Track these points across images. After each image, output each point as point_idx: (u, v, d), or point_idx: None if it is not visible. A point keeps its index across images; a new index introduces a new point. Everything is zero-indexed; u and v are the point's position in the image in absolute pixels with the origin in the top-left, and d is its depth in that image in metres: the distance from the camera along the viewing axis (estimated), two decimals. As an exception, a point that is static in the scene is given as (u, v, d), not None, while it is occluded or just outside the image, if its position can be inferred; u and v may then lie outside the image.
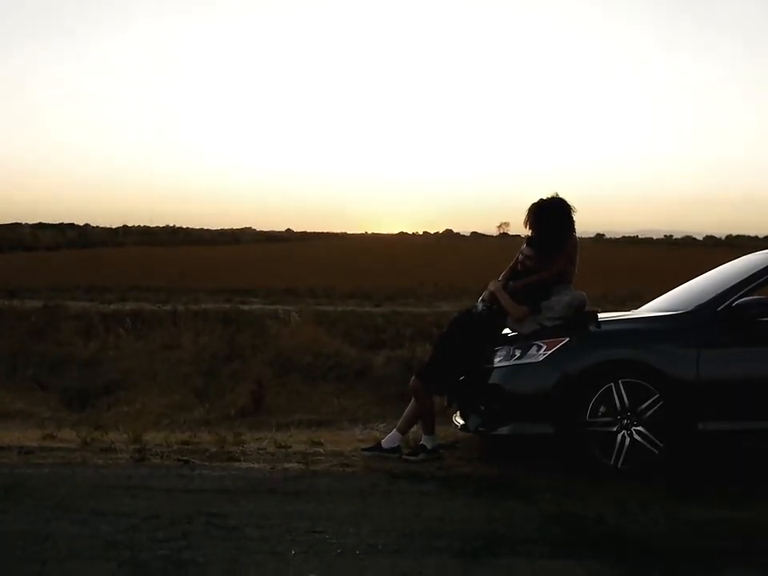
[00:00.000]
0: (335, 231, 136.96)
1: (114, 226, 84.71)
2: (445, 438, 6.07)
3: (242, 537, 4.06)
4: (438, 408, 5.96)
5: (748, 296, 5.41)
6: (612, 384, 5.20)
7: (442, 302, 17.81)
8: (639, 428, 5.20)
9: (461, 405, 5.88)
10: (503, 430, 5.41)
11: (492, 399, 5.47)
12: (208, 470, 5.34)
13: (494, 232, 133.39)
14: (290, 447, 6.06)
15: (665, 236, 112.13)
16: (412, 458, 5.58)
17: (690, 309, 5.52)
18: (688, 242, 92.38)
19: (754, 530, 4.29)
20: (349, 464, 5.53)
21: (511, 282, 5.73)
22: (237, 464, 5.54)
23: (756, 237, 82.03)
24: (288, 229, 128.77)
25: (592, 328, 5.53)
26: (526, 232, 5.85)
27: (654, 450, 5.19)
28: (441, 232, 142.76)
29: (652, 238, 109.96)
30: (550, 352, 5.34)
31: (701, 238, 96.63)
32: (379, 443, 5.79)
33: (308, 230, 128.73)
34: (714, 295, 5.51)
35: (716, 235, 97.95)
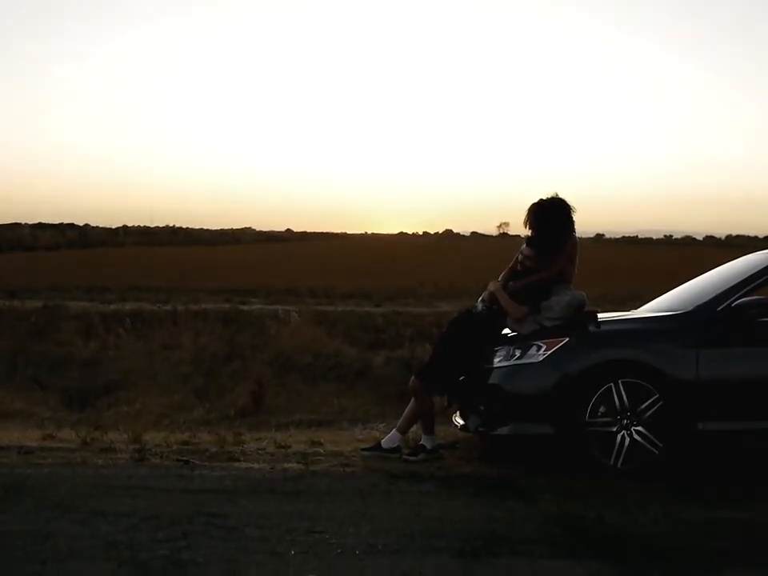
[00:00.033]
0: (335, 231, 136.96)
1: (113, 226, 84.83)
2: (444, 438, 6.07)
3: (242, 537, 4.06)
4: (437, 408, 5.96)
5: (748, 296, 5.41)
6: (612, 384, 5.20)
7: (441, 302, 17.81)
8: (639, 428, 5.20)
9: (460, 405, 5.89)
10: (503, 430, 5.41)
11: (492, 399, 5.47)
12: (208, 470, 5.34)
13: (494, 232, 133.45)
14: (290, 447, 6.06)
15: (664, 236, 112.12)
16: (412, 458, 5.58)
17: (689, 309, 5.52)
18: (688, 241, 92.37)
19: (754, 529, 4.29)
20: (348, 464, 5.53)
21: (511, 282, 5.73)
22: (237, 464, 5.54)
23: (756, 237, 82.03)
24: (288, 229, 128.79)
25: (592, 328, 5.53)
26: (525, 232, 5.85)
27: (654, 450, 5.19)
28: (441, 232, 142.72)
29: (652, 238, 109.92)
30: (549, 352, 5.34)
31: (700, 238, 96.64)
32: (379, 443, 5.79)
33: (308, 230, 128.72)
34: (713, 295, 5.51)
35: (716, 235, 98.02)
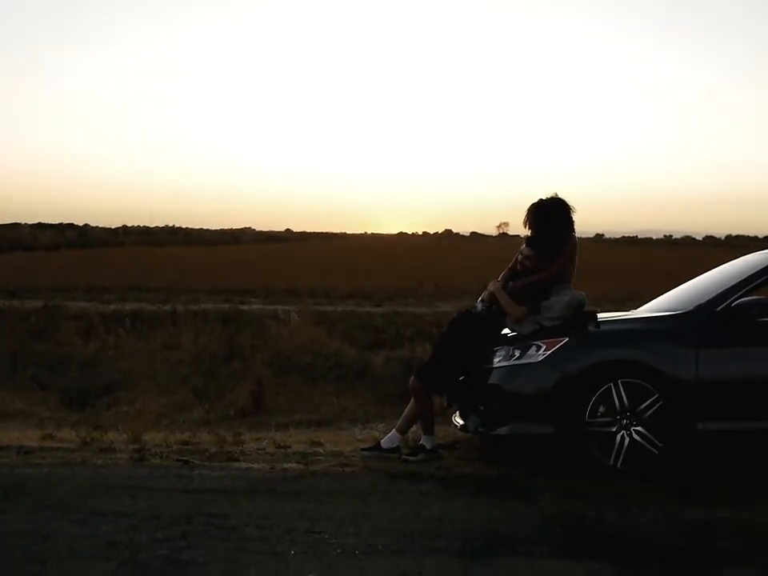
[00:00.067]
0: (335, 231, 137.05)
1: (113, 226, 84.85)
2: (444, 438, 6.07)
3: (242, 537, 4.06)
4: (437, 408, 5.96)
5: (747, 296, 5.41)
6: (611, 384, 5.20)
7: (441, 302, 17.81)
8: (639, 428, 5.20)
9: (460, 405, 5.89)
10: (503, 430, 5.41)
11: (491, 399, 5.47)
12: (207, 470, 5.34)
13: (494, 232, 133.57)
14: (290, 447, 6.06)
15: (664, 236, 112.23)
16: (411, 458, 5.58)
17: (689, 309, 5.52)
18: (687, 241, 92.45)
19: (754, 529, 4.29)
20: (348, 464, 5.53)
21: (511, 282, 5.73)
22: (236, 464, 5.54)
23: (756, 237, 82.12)
24: (288, 229, 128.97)
25: (591, 328, 5.53)
26: (525, 232, 5.85)
27: (654, 450, 5.19)
28: (440, 232, 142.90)
29: (651, 238, 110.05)
30: (549, 352, 5.34)
31: (700, 238, 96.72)
32: (378, 443, 5.79)
33: (308, 230, 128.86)
34: (713, 295, 5.51)
35: (715, 235, 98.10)
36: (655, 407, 5.18)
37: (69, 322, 12.69)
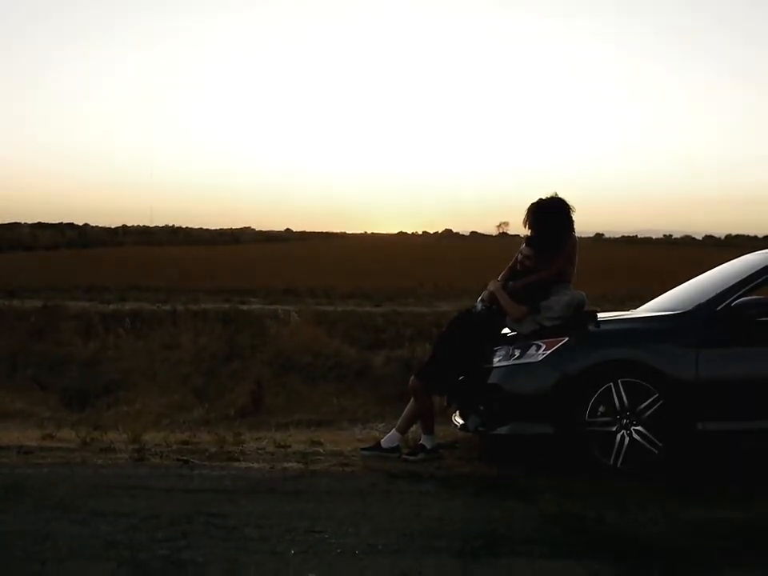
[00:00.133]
0: (335, 231, 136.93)
1: (113, 226, 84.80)
2: (444, 438, 6.07)
3: (242, 537, 4.06)
4: (437, 408, 5.96)
5: (747, 296, 5.41)
6: (611, 384, 5.20)
7: (441, 302, 17.81)
8: (638, 428, 5.20)
9: (460, 404, 5.89)
10: (503, 430, 5.41)
11: (491, 399, 5.47)
12: (207, 470, 5.34)
13: (494, 232, 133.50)
14: (290, 447, 6.06)
15: (664, 236, 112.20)
16: (411, 457, 5.59)
17: (689, 308, 5.52)
18: (687, 241, 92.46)
19: (754, 530, 4.29)
20: (348, 464, 5.53)
21: (510, 282, 5.73)
22: (236, 464, 5.54)
23: (755, 237, 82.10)
24: (287, 229, 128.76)
25: (591, 328, 5.53)
26: (525, 232, 5.85)
27: (654, 450, 5.19)
28: (440, 232, 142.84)
29: (651, 238, 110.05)
30: (549, 352, 5.34)
31: (700, 238, 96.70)
32: (378, 443, 5.79)
33: (307, 230, 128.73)
34: (713, 295, 5.51)
35: (715, 235, 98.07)
36: (655, 407, 5.18)
37: (69, 321, 12.69)
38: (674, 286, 6.57)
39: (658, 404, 5.18)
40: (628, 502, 4.69)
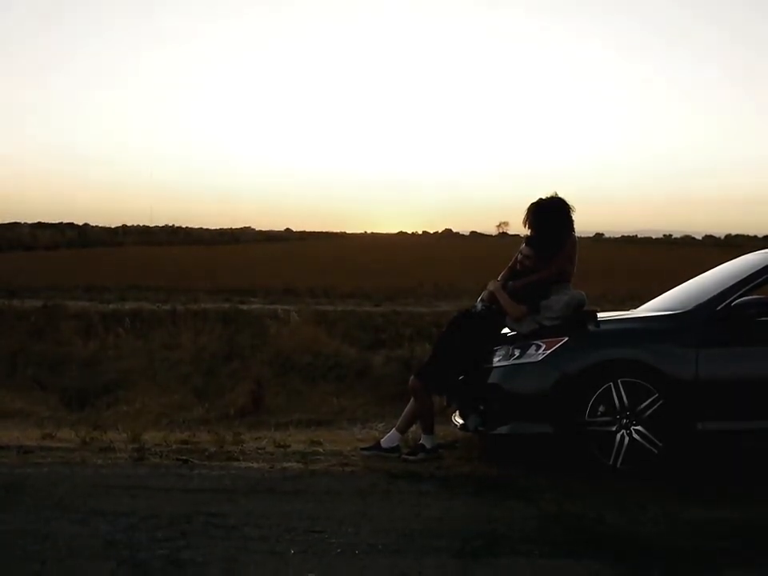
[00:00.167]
0: (334, 231, 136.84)
1: (113, 226, 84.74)
2: (444, 438, 6.07)
3: (241, 536, 4.06)
4: (437, 407, 5.96)
5: (747, 295, 5.41)
6: (611, 383, 5.20)
7: (441, 302, 17.80)
8: (638, 427, 5.20)
9: (460, 404, 5.88)
10: (502, 430, 5.41)
11: (491, 399, 5.47)
12: (207, 470, 5.34)
13: (494, 231, 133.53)
14: (289, 447, 6.06)
15: (664, 235, 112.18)
16: (411, 457, 5.58)
17: (689, 308, 5.52)
18: (687, 241, 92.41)
19: (754, 530, 4.29)
20: (348, 463, 5.53)
21: (510, 282, 5.73)
22: (236, 463, 5.54)
23: (755, 236, 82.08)
24: (287, 228, 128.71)
25: (591, 327, 5.53)
26: (525, 231, 5.85)
27: (654, 450, 5.19)
28: (440, 232, 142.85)
29: (651, 238, 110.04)
30: (549, 351, 5.34)
31: (700, 238, 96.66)
32: (378, 443, 5.79)
33: (307, 230, 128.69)
34: (712, 295, 5.51)
35: (715, 235, 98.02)
36: (655, 407, 5.18)
37: (68, 321, 12.69)
38: (674, 286, 6.56)
39: (657, 404, 5.18)
40: (628, 501, 4.69)
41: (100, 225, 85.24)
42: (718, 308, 5.39)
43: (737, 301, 5.37)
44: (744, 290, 5.43)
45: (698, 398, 5.22)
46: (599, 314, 5.73)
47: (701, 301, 5.52)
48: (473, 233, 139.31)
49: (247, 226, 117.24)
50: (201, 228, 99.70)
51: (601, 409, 5.21)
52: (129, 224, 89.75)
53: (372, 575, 3.64)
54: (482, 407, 5.56)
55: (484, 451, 5.87)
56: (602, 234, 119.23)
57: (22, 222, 77.21)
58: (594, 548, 3.96)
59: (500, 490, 4.93)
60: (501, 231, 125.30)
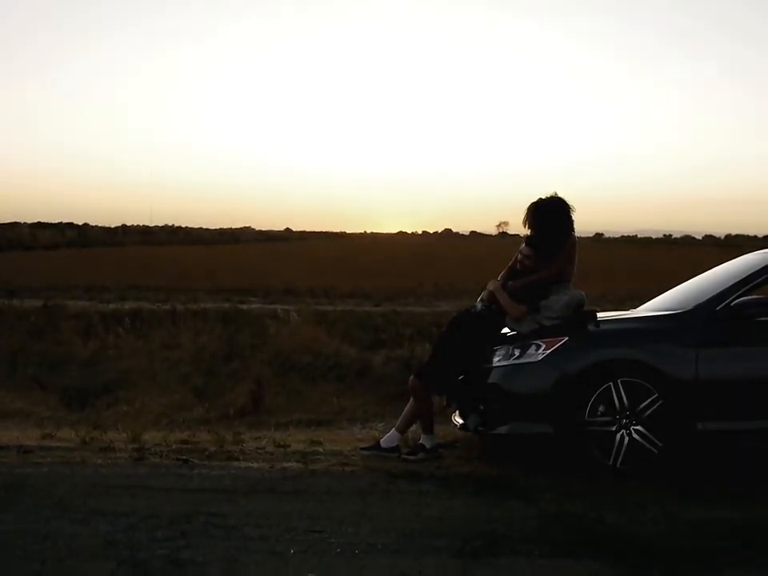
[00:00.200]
0: (334, 231, 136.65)
1: (113, 226, 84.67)
2: (444, 438, 6.07)
3: (241, 536, 4.06)
4: (437, 407, 5.96)
5: (746, 295, 5.41)
6: (611, 383, 5.20)
7: (441, 302, 17.80)
8: (638, 427, 5.20)
9: (460, 404, 5.88)
10: (502, 430, 5.41)
11: (491, 399, 5.47)
12: (207, 470, 5.34)
13: (494, 231, 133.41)
14: (289, 446, 6.06)
15: (664, 235, 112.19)
16: (411, 457, 5.58)
17: (688, 308, 5.52)
18: (687, 241, 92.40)
19: (754, 530, 4.29)
20: (348, 463, 5.53)
21: (510, 282, 5.73)
22: (236, 463, 5.54)
23: (755, 236, 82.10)
24: (287, 228, 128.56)
25: (591, 327, 5.53)
26: (525, 231, 5.85)
27: (653, 450, 5.19)
28: (440, 231, 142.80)
29: (651, 238, 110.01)
30: (548, 351, 5.34)
31: (700, 238, 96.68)
32: (378, 443, 5.79)
33: (307, 230, 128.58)
34: (712, 295, 5.51)
35: (715, 234, 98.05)
36: (655, 407, 5.18)
37: (68, 321, 12.67)
38: (674, 286, 6.56)
39: (657, 404, 5.18)
40: (628, 501, 4.69)
41: (100, 225, 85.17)
42: (718, 308, 5.39)
43: (737, 301, 5.37)
44: (744, 289, 5.43)
45: (698, 398, 5.22)
46: (599, 314, 5.73)
47: (700, 301, 5.52)
48: (473, 233, 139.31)
49: (247, 225, 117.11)
50: (201, 228, 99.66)
51: (601, 409, 5.21)
52: (129, 224, 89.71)
53: (372, 575, 3.64)
54: (481, 407, 5.56)
55: (484, 451, 5.87)
56: (602, 234, 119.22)
57: (22, 222, 77.23)
58: (594, 548, 3.97)
59: (500, 489, 4.93)
60: (501, 231, 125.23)
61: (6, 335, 11.65)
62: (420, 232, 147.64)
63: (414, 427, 5.84)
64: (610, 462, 5.19)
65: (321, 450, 5.98)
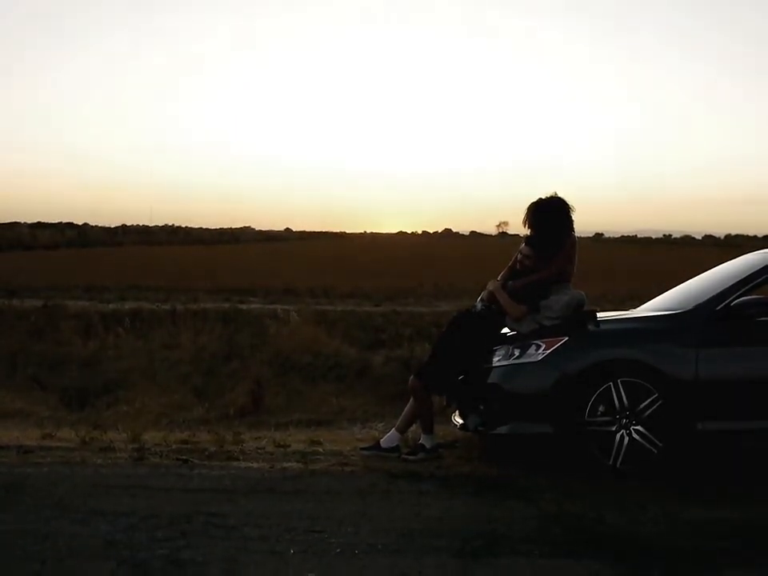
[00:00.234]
0: (334, 231, 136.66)
1: (112, 226, 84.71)
2: (444, 438, 6.07)
3: (241, 536, 4.06)
4: (436, 407, 5.96)
5: (746, 295, 5.41)
6: (611, 383, 5.20)
7: (441, 302, 17.80)
8: (638, 427, 5.20)
9: (460, 404, 5.89)
10: (502, 430, 5.41)
11: (491, 399, 5.47)
12: (207, 470, 5.34)
13: (493, 231, 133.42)
14: (289, 446, 6.06)
15: (664, 235, 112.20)
16: (411, 457, 5.58)
17: (688, 308, 5.52)
18: (687, 241, 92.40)
19: (754, 530, 4.29)
20: (348, 463, 5.53)
21: (510, 282, 5.73)
22: (236, 463, 5.54)
23: (755, 236, 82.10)
24: (287, 228, 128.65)
25: (591, 327, 5.53)
26: (525, 231, 5.85)
27: (653, 450, 5.19)
28: (440, 231, 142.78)
29: (651, 238, 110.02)
30: (548, 351, 5.34)
31: (699, 238, 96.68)
32: (378, 443, 5.79)
33: (307, 230, 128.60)
34: (712, 295, 5.51)
35: (715, 234, 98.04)
36: (655, 407, 5.18)
37: (68, 321, 12.66)
38: (674, 286, 6.57)
39: (657, 404, 5.18)
40: (628, 501, 4.69)
41: (99, 224, 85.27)
42: (718, 308, 5.39)
43: (736, 301, 5.37)
44: (744, 289, 5.43)
45: (698, 398, 5.22)
46: (599, 314, 5.73)
47: (700, 301, 5.52)
48: (473, 233, 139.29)
49: (247, 225, 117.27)
50: (201, 228, 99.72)
51: (601, 409, 5.21)
52: (128, 224, 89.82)
53: (372, 575, 3.64)
54: (481, 407, 5.56)
55: (484, 451, 5.87)
56: (602, 234, 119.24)
57: (22, 222, 77.29)
58: (594, 548, 3.97)
59: (500, 489, 4.93)
60: (501, 231, 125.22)
61: (6, 335, 11.64)
62: (420, 232, 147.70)
63: (413, 427, 5.84)
64: (610, 462, 5.19)
65: (321, 449, 5.98)
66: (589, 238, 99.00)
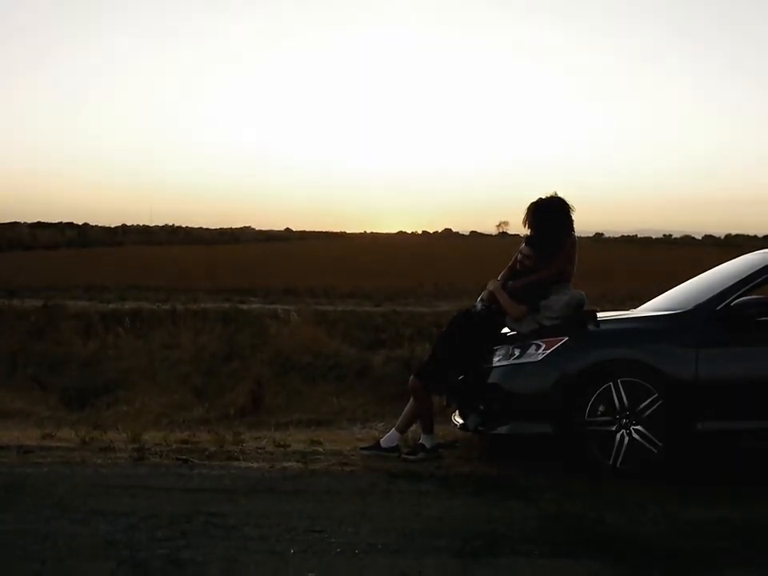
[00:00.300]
0: (334, 230, 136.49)
1: (112, 225, 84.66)
2: (444, 438, 6.07)
3: (241, 536, 4.06)
4: (437, 407, 5.96)
5: (746, 295, 5.41)
6: (611, 383, 5.20)
7: (441, 302, 17.79)
8: (638, 427, 5.20)
9: (460, 404, 5.88)
10: (502, 430, 5.42)
11: (491, 398, 5.47)
12: (207, 470, 5.34)
13: (494, 231, 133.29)
14: (289, 446, 6.06)
15: (664, 235, 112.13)
16: (411, 457, 5.58)
17: (688, 308, 5.52)
18: (687, 241, 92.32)
19: (754, 530, 4.29)
20: (348, 463, 5.53)
21: (510, 282, 5.73)
22: (236, 463, 5.54)
23: (755, 236, 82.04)
24: (287, 228, 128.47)
25: (591, 327, 5.53)
26: (525, 231, 5.85)
27: (653, 450, 5.19)
28: (440, 231, 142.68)
29: (651, 238, 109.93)
30: (548, 351, 5.34)
31: (699, 238, 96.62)
32: (378, 442, 5.79)
33: (307, 230, 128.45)
34: (712, 295, 5.51)
35: (715, 234, 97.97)
36: (655, 406, 5.18)
37: (68, 321, 12.66)
38: (674, 286, 6.56)
39: (657, 404, 5.18)
40: (628, 501, 4.69)
41: (100, 224, 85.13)
42: (718, 308, 5.39)
43: (736, 301, 5.37)
44: (743, 289, 5.43)
45: (698, 398, 5.22)
46: (599, 314, 5.73)
47: (700, 301, 5.52)
48: (473, 233, 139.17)
49: (247, 225, 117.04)
50: (201, 228, 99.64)
51: (601, 409, 5.21)
52: (128, 224, 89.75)
53: (372, 575, 3.64)
54: (481, 407, 5.56)
55: (484, 451, 5.87)
56: (602, 234, 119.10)
57: (22, 222, 77.25)
58: (593, 548, 3.97)
59: (500, 489, 4.93)
60: (501, 231, 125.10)
61: (6, 335, 11.64)
62: (420, 232, 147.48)
63: (414, 427, 5.84)
64: (610, 462, 5.19)
65: (321, 449, 5.98)
66: (589, 237, 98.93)
